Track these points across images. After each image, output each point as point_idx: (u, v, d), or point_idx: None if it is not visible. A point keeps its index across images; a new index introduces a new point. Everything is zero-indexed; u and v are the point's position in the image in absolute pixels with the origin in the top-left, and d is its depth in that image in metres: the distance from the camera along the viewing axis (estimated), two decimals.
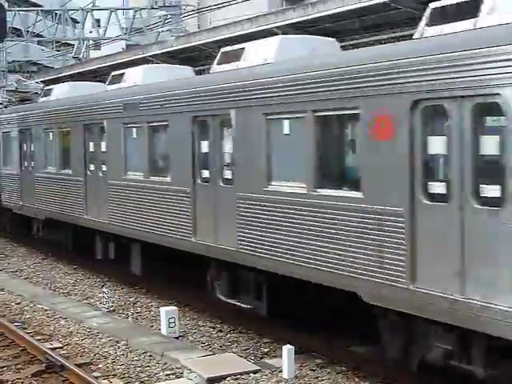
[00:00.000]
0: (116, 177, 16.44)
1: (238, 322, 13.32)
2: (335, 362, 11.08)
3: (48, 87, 23.03)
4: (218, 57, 13.74)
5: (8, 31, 30.24)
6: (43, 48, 52.85)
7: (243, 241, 12.06)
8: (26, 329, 13.51)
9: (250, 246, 11.91)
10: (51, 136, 20.38)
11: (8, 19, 28.47)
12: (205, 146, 13.19)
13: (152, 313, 14.57)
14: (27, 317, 14.61)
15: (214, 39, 25.97)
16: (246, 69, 12.52)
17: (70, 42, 46.17)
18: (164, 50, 29.63)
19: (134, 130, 15.72)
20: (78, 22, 43.68)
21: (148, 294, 16.16)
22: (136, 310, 14.98)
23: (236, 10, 31.77)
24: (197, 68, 19.25)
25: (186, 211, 13.67)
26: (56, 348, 12.11)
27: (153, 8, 36.26)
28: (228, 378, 10.36)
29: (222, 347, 12.18)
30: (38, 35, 39.84)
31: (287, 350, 10.51)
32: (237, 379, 10.36)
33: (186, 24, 40.65)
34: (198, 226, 13.44)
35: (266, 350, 11.92)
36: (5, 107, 26.53)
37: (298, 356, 10.94)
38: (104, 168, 17.20)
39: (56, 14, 39.33)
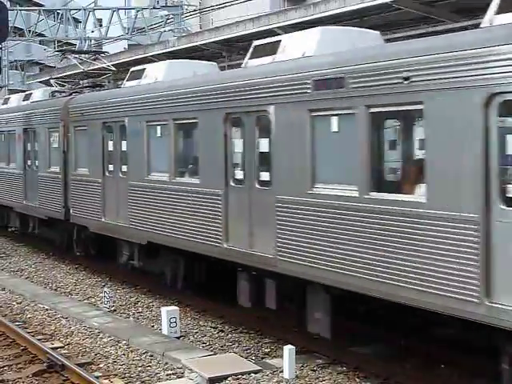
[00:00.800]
0: (296, 191, 11.04)
1: (239, 322, 13.32)
2: (336, 362, 11.08)
3: (135, 68, 17.85)
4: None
5: (10, 30, 30.25)
6: (45, 47, 52.92)
7: None
8: (26, 328, 13.49)
9: None
10: (159, 131, 15.12)
11: (10, 18, 28.46)
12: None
13: (153, 312, 14.56)
14: (28, 316, 14.60)
15: (216, 39, 26.05)
16: None
17: (71, 41, 46.28)
18: (166, 50, 29.68)
19: (335, 119, 10.55)
20: (80, 22, 43.75)
21: (149, 294, 16.15)
22: (137, 309, 14.97)
23: (238, 10, 31.82)
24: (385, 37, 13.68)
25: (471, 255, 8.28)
26: (57, 347, 12.10)
27: (155, 8, 36.38)
28: (229, 378, 10.35)
29: (223, 347, 12.18)
30: (39, 35, 39.94)
31: (288, 350, 10.50)
32: (238, 379, 10.35)
33: (188, 24, 40.69)
34: (499, 279, 7.99)
35: (267, 350, 11.92)
36: (69, 95, 21.29)
37: (299, 356, 10.93)
38: (265, 177, 11.91)
39: (58, 13, 39.46)
